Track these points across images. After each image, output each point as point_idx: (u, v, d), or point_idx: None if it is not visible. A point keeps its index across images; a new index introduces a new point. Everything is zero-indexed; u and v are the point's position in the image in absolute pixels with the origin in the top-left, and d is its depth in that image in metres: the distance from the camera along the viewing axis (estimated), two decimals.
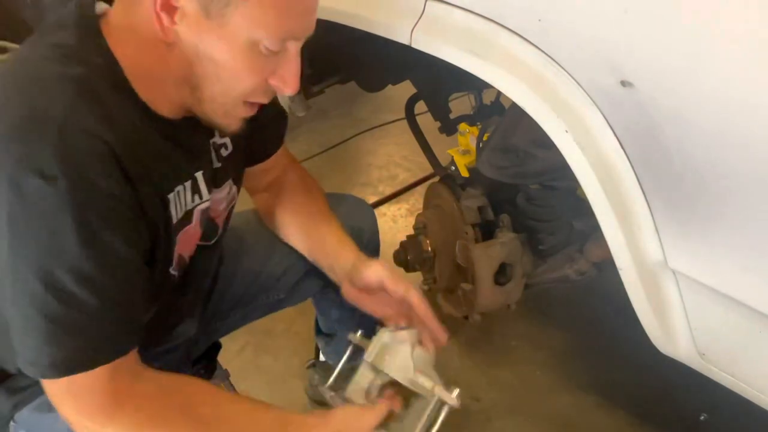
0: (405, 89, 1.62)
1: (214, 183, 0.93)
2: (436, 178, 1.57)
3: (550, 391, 1.56)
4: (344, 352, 1.04)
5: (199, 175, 0.88)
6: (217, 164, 0.93)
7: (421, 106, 1.60)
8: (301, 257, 1.14)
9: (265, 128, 1.03)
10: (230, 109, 0.80)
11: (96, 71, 0.72)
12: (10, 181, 0.66)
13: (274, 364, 1.67)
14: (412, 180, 2.46)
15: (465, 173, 1.53)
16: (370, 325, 1.42)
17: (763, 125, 0.69)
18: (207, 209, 0.93)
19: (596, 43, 0.79)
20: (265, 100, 0.82)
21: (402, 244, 1.59)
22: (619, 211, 0.87)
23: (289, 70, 0.77)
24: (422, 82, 1.55)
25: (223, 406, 0.82)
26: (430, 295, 1.82)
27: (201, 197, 0.89)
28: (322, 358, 1.56)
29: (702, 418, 1.43)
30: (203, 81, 0.76)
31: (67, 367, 0.72)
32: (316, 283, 1.20)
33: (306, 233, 1.11)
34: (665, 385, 1.50)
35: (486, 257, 1.32)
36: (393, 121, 2.83)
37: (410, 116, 1.63)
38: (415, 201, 2.33)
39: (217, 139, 0.93)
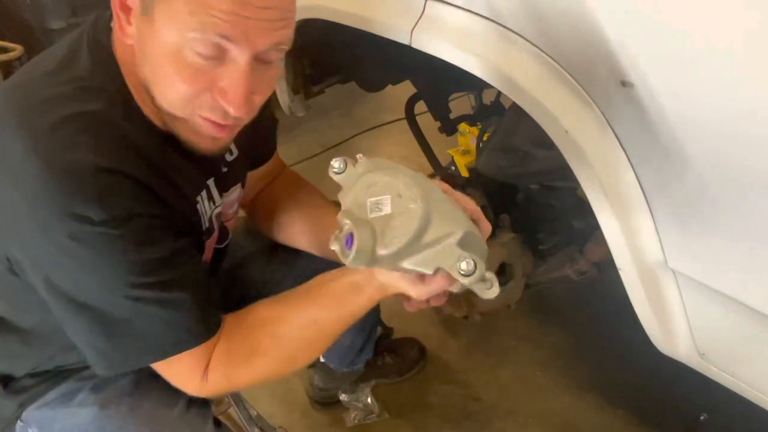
0: (405, 89, 1.62)
1: (224, 188, 0.95)
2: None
3: (550, 391, 1.56)
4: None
5: (210, 182, 0.89)
6: (224, 170, 0.94)
7: (421, 106, 1.60)
8: (298, 262, 1.14)
9: (261, 133, 1.03)
10: (189, 122, 0.74)
11: (110, 101, 0.73)
12: (64, 235, 0.69)
13: None
14: None
15: (465, 173, 1.53)
16: (367, 329, 1.43)
17: (763, 125, 0.69)
18: (219, 214, 0.95)
19: (596, 43, 0.79)
20: (215, 117, 0.73)
21: None
22: (619, 211, 0.87)
23: (231, 82, 0.68)
24: (422, 82, 1.55)
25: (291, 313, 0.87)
26: None
27: (215, 203, 0.91)
28: (321, 359, 1.56)
29: (702, 418, 1.43)
30: (151, 86, 0.72)
31: (202, 331, 0.79)
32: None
33: (312, 227, 1.10)
34: (665, 385, 1.50)
35: None
36: (393, 121, 2.83)
37: (410, 116, 1.63)
38: None
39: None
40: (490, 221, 1.38)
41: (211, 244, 0.95)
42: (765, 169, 0.71)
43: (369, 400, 1.52)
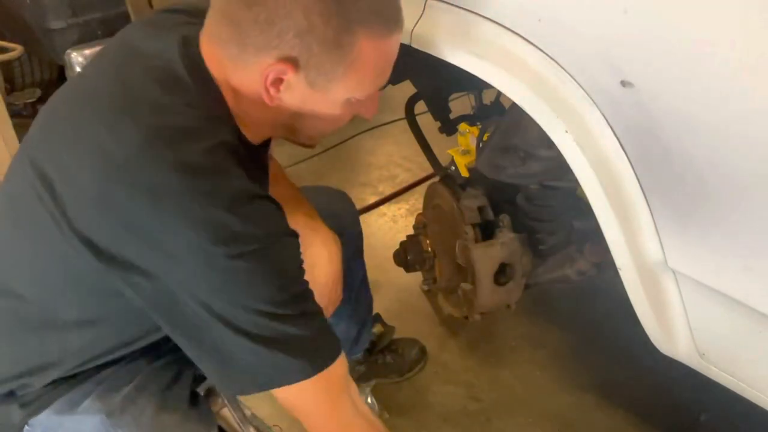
0: (405, 89, 1.62)
1: None
2: (436, 178, 1.57)
3: (550, 391, 1.56)
4: None
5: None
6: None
7: (421, 106, 1.60)
8: None
9: None
10: (324, 136, 0.93)
11: (229, 128, 0.79)
12: (227, 257, 0.71)
13: None
14: (412, 180, 2.46)
15: (465, 173, 1.53)
16: (361, 317, 1.43)
17: (763, 125, 0.69)
18: None
19: (596, 43, 0.79)
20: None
21: (402, 244, 1.59)
22: (619, 211, 0.87)
23: (373, 106, 0.90)
24: (422, 82, 1.54)
25: None
26: (430, 295, 1.83)
27: None
28: None
29: (702, 418, 1.43)
30: (302, 127, 0.86)
31: (324, 359, 0.80)
32: None
33: None
34: (665, 385, 1.50)
35: (486, 257, 1.32)
36: (393, 121, 2.83)
37: (410, 116, 1.63)
38: (415, 201, 2.33)
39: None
40: (490, 221, 1.39)
41: None
42: (765, 169, 0.71)
43: (369, 400, 1.52)
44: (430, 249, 1.54)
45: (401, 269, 1.61)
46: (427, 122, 1.64)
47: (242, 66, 0.77)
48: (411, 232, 1.61)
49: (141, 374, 0.92)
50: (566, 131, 0.86)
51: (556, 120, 0.86)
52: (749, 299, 0.82)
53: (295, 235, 0.81)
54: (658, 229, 0.87)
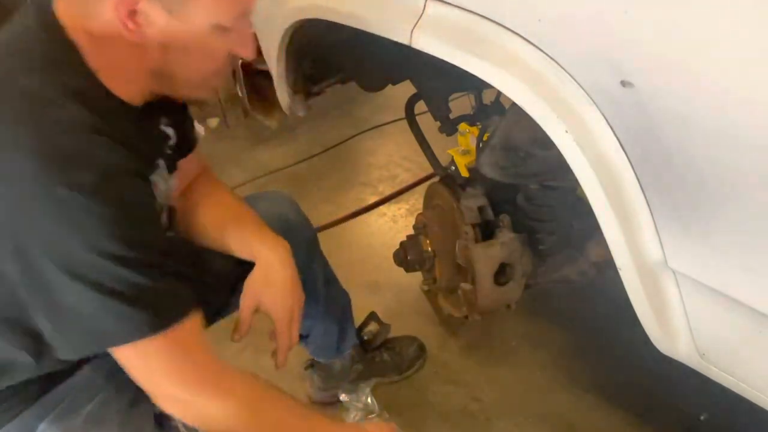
0: (405, 89, 1.62)
1: (170, 169, 0.98)
2: (436, 178, 1.57)
3: (550, 391, 1.56)
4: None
5: (160, 162, 0.92)
6: (169, 152, 0.98)
7: (421, 106, 1.60)
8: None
9: (189, 117, 1.08)
10: (207, 83, 0.89)
11: (72, 73, 0.76)
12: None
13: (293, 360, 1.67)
14: (412, 180, 2.46)
15: (465, 173, 1.53)
16: (337, 315, 1.43)
17: (763, 125, 0.69)
18: (166, 194, 0.97)
19: (596, 43, 0.79)
20: (231, 68, 0.91)
21: (402, 244, 1.59)
22: (619, 211, 0.87)
23: (247, 38, 0.86)
24: (422, 82, 1.54)
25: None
26: (430, 295, 1.83)
27: (166, 182, 0.94)
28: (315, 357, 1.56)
29: (702, 418, 1.42)
30: (176, 70, 0.83)
31: (162, 319, 0.76)
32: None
33: (224, 235, 1.12)
34: (665, 385, 1.49)
35: (486, 257, 1.32)
36: (393, 121, 2.83)
37: (410, 116, 1.63)
38: (415, 201, 2.33)
39: (165, 129, 0.99)
40: (490, 221, 1.39)
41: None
42: (765, 169, 0.71)
43: (369, 400, 1.52)
44: (430, 249, 1.54)
45: (401, 269, 1.61)
46: (427, 122, 1.64)
47: (94, 9, 0.75)
48: (411, 232, 1.60)
49: (102, 392, 0.90)
50: (566, 131, 0.86)
51: (556, 120, 0.86)
52: (749, 299, 0.82)
53: (145, 179, 0.79)
54: (658, 229, 0.87)
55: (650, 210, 0.86)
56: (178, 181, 1.04)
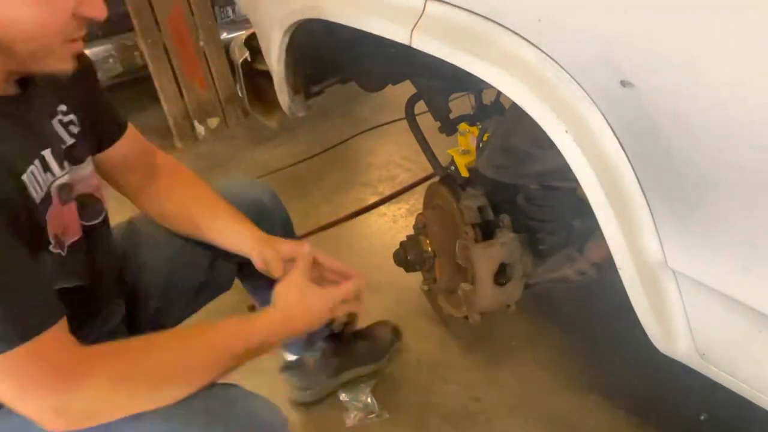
0: (405, 89, 1.62)
1: (72, 160, 0.94)
2: (436, 178, 1.57)
3: (550, 391, 1.56)
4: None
5: (46, 153, 0.87)
6: (70, 141, 0.94)
7: (421, 106, 1.60)
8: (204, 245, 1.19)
9: (98, 104, 1.05)
10: (57, 53, 0.80)
11: None
12: None
13: (271, 363, 1.67)
14: (412, 180, 2.46)
15: (465, 173, 1.53)
16: None
17: (763, 125, 0.69)
18: (66, 185, 0.92)
19: (596, 43, 0.79)
20: (82, 32, 0.82)
21: (402, 244, 1.59)
22: (619, 211, 0.87)
23: None
24: (422, 82, 1.55)
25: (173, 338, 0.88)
26: (430, 295, 1.83)
27: (54, 174, 0.89)
28: (288, 356, 1.56)
29: (702, 418, 1.43)
30: (14, 44, 0.76)
31: (18, 335, 0.72)
32: (232, 260, 1.24)
33: (199, 227, 1.15)
34: (665, 385, 1.50)
35: (486, 257, 1.32)
36: (393, 121, 2.83)
37: (410, 116, 1.63)
38: (415, 201, 2.33)
39: (63, 117, 0.95)
40: (490, 221, 1.40)
41: (60, 218, 0.91)
42: (765, 169, 0.71)
43: (369, 400, 1.52)
44: (430, 249, 1.55)
45: (401, 269, 1.61)
46: (427, 122, 1.64)
47: None
48: (411, 232, 1.61)
49: None
50: (566, 131, 0.86)
51: (556, 120, 0.86)
52: (749, 299, 0.82)
53: None
54: (658, 229, 0.86)
55: (650, 210, 0.86)
56: (92, 167, 1.01)
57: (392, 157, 2.64)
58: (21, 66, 0.81)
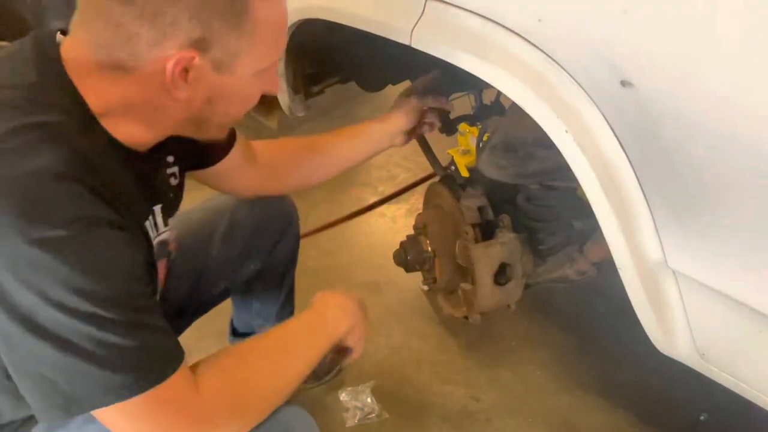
0: None
1: (170, 214, 0.96)
2: (436, 178, 1.57)
3: (550, 391, 1.56)
4: None
5: (157, 208, 0.90)
6: (171, 195, 0.97)
7: None
8: (239, 248, 1.23)
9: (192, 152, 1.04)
10: (232, 124, 0.91)
11: (65, 114, 0.71)
12: (24, 244, 0.64)
13: None
14: (412, 180, 2.46)
15: (465, 173, 1.53)
16: (289, 316, 1.44)
17: (763, 124, 0.69)
18: (165, 242, 0.95)
19: (596, 43, 0.79)
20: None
21: (402, 244, 1.59)
22: (619, 211, 0.87)
23: (275, 77, 0.88)
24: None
25: (261, 347, 0.88)
26: (430, 295, 1.83)
27: (158, 230, 0.91)
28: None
29: (702, 418, 1.43)
30: (213, 116, 0.81)
31: (146, 381, 0.70)
32: (253, 265, 1.29)
33: (323, 149, 1.26)
34: (665, 385, 1.50)
35: (486, 257, 1.32)
36: None
37: None
38: (415, 201, 2.33)
39: (168, 170, 0.97)
40: (490, 221, 1.40)
41: (161, 270, 0.95)
42: (764, 169, 0.71)
43: (369, 400, 1.52)
44: (430, 249, 1.54)
45: (401, 269, 1.61)
46: None
47: (134, 68, 0.71)
48: (411, 232, 1.60)
49: None
50: (566, 131, 0.86)
51: (556, 120, 0.86)
52: (749, 299, 0.82)
53: (117, 227, 0.70)
54: (658, 229, 0.87)
55: (650, 210, 0.86)
56: (172, 233, 1.01)
57: (392, 157, 2.64)
58: (193, 134, 0.85)
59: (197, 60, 0.72)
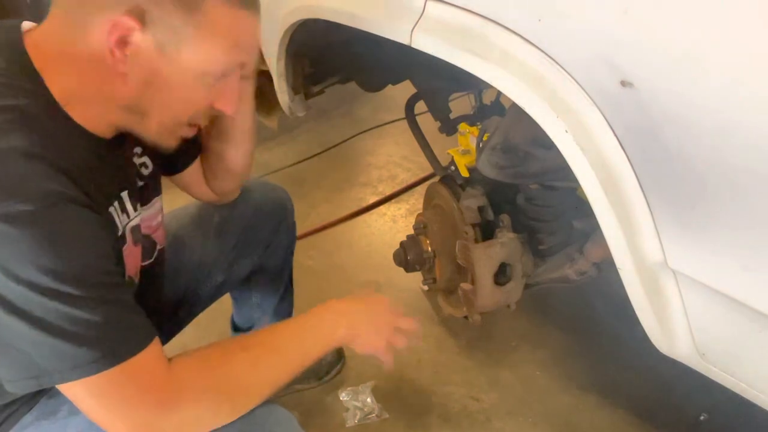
0: (405, 89, 1.62)
1: (141, 201, 0.97)
2: (436, 178, 1.57)
3: (550, 391, 1.56)
4: None
5: (124, 194, 0.90)
6: (140, 183, 0.97)
7: (421, 106, 1.60)
8: (233, 240, 1.24)
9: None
10: (174, 130, 0.86)
11: (32, 98, 0.73)
12: None
13: None
14: (412, 180, 2.46)
15: (465, 173, 1.53)
16: (287, 312, 1.45)
17: (763, 124, 0.69)
18: (137, 227, 0.95)
19: (596, 43, 0.79)
20: (205, 122, 0.90)
21: (402, 244, 1.59)
22: (619, 211, 0.87)
23: (232, 94, 0.85)
24: (422, 82, 1.55)
25: (246, 341, 0.89)
26: (430, 295, 1.83)
27: (129, 216, 0.91)
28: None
29: (702, 418, 1.43)
30: (152, 107, 0.80)
31: (114, 356, 0.71)
32: (250, 258, 1.30)
33: None
34: (665, 385, 1.50)
35: (486, 257, 1.32)
36: (393, 121, 2.83)
37: (410, 116, 1.63)
38: (415, 201, 2.33)
39: (137, 160, 0.98)
40: (490, 221, 1.40)
41: (131, 259, 0.93)
42: (765, 169, 0.71)
43: (369, 400, 1.52)
44: (430, 249, 1.55)
45: (401, 269, 1.61)
46: (427, 122, 1.64)
47: (83, 30, 0.73)
48: (411, 232, 1.61)
49: None
50: (566, 131, 0.86)
51: (556, 120, 0.86)
52: (749, 299, 0.82)
53: (86, 206, 0.72)
54: (658, 229, 0.87)
55: (650, 210, 0.86)
56: (159, 205, 1.04)
57: (392, 157, 2.64)
58: (137, 129, 0.84)
59: (137, 33, 0.72)
